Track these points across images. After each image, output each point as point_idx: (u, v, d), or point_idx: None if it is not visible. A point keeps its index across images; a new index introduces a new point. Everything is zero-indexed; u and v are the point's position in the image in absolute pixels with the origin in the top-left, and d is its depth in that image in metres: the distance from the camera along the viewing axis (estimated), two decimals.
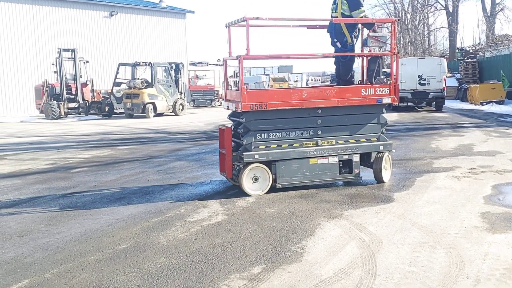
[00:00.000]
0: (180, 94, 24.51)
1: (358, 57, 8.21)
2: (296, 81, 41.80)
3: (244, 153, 6.37)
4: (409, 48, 48.56)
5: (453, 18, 41.46)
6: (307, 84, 40.36)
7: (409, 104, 22.29)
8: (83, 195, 6.85)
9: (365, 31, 7.58)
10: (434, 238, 4.61)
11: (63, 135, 15.68)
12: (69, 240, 4.83)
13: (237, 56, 6.42)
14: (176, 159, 9.84)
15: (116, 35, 32.93)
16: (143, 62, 23.94)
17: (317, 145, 6.63)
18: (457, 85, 28.71)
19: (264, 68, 42.75)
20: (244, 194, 6.40)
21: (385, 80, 7.08)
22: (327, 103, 6.61)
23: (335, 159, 6.73)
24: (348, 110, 6.74)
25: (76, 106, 23.93)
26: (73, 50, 23.78)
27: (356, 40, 7.45)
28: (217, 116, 21.50)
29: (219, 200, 6.29)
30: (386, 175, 7.09)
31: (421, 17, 48.46)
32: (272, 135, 6.48)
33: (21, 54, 28.17)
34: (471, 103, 24.54)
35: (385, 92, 6.82)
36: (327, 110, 6.65)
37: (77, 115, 24.27)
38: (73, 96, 23.96)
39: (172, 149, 11.43)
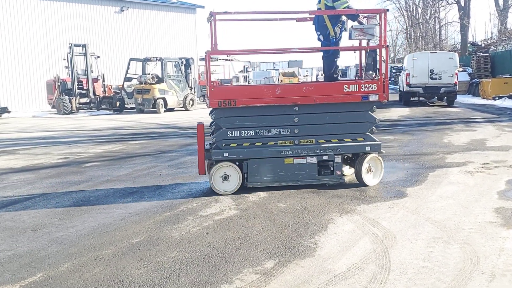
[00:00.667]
0: (190, 89, 24.58)
1: (355, 52, 7.68)
2: (306, 75, 41.60)
3: (213, 151, 6.24)
4: (420, 42, 48.21)
5: (465, 12, 41.05)
6: (317, 78, 40.18)
7: (420, 98, 22.15)
8: (96, 189, 6.89)
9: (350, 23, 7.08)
10: (448, 233, 4.58)
11: (75, 130, 15.79)
12: (83, 234, 4.86)
13: (205, 52, 6.25)
14: (187, 153, 9.86)
15: (127, 30, 33.07)
16: (153, 57, 24.02)
17: (294, 144, 6.31)
18: (469, 79, 28.47)
19: (274, 63, 42.60)
20: (255, 189, 6.39)
21: (373, 75, 6.56)
22: (304, 100, 6.24)
23: (314, 160, 6.35)
24: (330, 108, 6.33)
25: (88, 101, 24.13)
26: (84, 45, 23.93)
27: (341, 33, 7.06)
28: None
29: (230, 194, 6.29)
30: (371, 178, 6.59)
31: (432, 12, 48.06)
32: (245, 133, 6.22)
33: (33, 49, 28.40)
34: (483, 98, 24.31)
35: (372, 88, 6.30)
36: (305, 107, 6.28)
37: (89, 110, 24.46)
38: (84, 91, 24.17)
39: (183, 144, 11.46)
